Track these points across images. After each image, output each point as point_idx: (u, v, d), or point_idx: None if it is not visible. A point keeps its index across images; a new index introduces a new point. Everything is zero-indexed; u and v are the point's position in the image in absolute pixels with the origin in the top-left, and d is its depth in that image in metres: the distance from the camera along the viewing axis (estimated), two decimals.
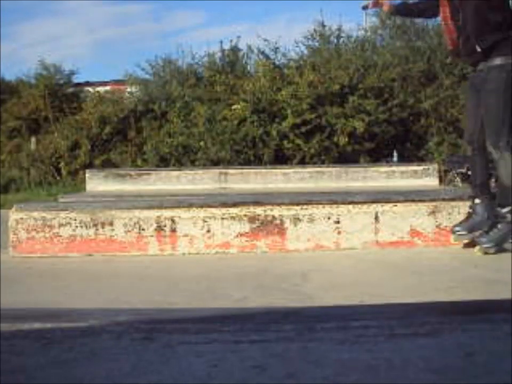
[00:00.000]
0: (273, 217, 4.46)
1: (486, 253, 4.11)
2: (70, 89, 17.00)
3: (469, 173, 11.76)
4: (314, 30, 15.07)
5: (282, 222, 4.45)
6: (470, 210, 4.31)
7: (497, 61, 4.01)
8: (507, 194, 4.10)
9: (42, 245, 4.46)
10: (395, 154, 12.84)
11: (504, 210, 4.11)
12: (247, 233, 4.45)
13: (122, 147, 15.06)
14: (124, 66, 25.46)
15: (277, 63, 14.83)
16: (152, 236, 4.46)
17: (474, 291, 3.16)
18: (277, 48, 14.83)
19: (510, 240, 4.13)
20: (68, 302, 3.16)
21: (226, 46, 15.32)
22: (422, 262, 4.03)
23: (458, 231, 4.28)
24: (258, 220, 4.46)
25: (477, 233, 4.22)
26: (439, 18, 4.42)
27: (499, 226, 4.12)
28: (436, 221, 4.45)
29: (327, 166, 10.36)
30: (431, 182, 8.41)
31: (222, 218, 4.46)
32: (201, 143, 13.70)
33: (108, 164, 14.09)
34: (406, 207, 4.46)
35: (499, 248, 4.12)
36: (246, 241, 4.45)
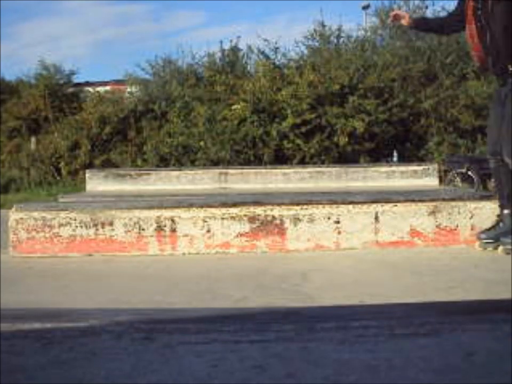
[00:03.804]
0: (273, 217, 4.46)
1: (482, 248, 4.22)
2: (70, 89, 17.01)
3: (469, 173, 11.81)
4: (314, 30, 15.08)
5: (282, 222, 4.45)
6: (498, 219, 4.34)
7: None
8: None
9: (42, 245, 4.46)
10: (395, 154, 12.85)
11: (505, 212, 4.20)
12: (247, 233, 4.45)
13: (122, 147, 15.06)
14: (124, 66, 25.53)
15: (277, 63, 14.84)
16: (152, 236, 4.46)
17: (474, 291, 3.16)
18: (277, 48, 14.85)
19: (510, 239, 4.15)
20: (68, 302, 3.16)
21: (226, 46, 15.34)
22: (422, 262, 4.03)
23: (485, 238, 4.29)
24: (258, 220, 4.46)
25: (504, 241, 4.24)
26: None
27: (504, 221, 4.21)
28: (436, 221, 4.45)
29: (327, 166, 10.36)
30: (431, 182, 8.41)
31: (222, 218, 4.46)
32: (201, 143, 13.71)
33: (108, 164, 14.09)
34: (406, 207, 4.46)
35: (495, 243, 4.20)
36: (246, 241, 4.45)
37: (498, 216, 4.36)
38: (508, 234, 4.22)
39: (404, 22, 4.54)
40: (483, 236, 4.29)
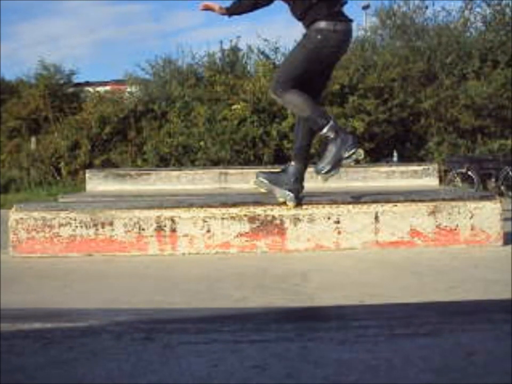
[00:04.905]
0: (273, 217, 4.46)
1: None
2: (70, 89, 17.04)
3: (469, 173, 11.79)
4: None
5: (282, 222, 4.45)
6: (283, 168, 4.61)
7: (321, 24, 4.20)
8: (313, 121, 4.30)
9: (42, 245, 4.46)
10: (395, 154, 12.85)
11: (323, 131, 4.29)
12: (247, 233, 4.45)
13: (122, 147, 15.08)
14: (123, 66, 25.57)
15: (277, 63, 14.84)
16: (152, 236, 4.46)
17: (474, 291, 3.16)
18: (277, 48, 14.87)
19: (345, 155, 4.28)
20: (68, 302, 3.16)
21: (226, 46, 15.37)
22: (422, 262, 4.03)
23: (261, 177, 4.52)
24: (258, 220, 4.46)
25: (277, 189, 4.45)
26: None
27: (328, 147, 4.35)
28: (436, 221, 4.44)
29: None
30: (431, 182, 8.39)
31: (222, 218, 4.46)
32: (201, 143, 13.71)
33: (108, 164, 14.11)
34: (406, 207, 4.45)
35: (338, 168, 4.38)
36: (246, 241, 4.45)
37: (287, 163, 4.65)
38: (286, 184, 4.46)
39: (216, 10, 4.50)
40: (262, 175, 4.53)
